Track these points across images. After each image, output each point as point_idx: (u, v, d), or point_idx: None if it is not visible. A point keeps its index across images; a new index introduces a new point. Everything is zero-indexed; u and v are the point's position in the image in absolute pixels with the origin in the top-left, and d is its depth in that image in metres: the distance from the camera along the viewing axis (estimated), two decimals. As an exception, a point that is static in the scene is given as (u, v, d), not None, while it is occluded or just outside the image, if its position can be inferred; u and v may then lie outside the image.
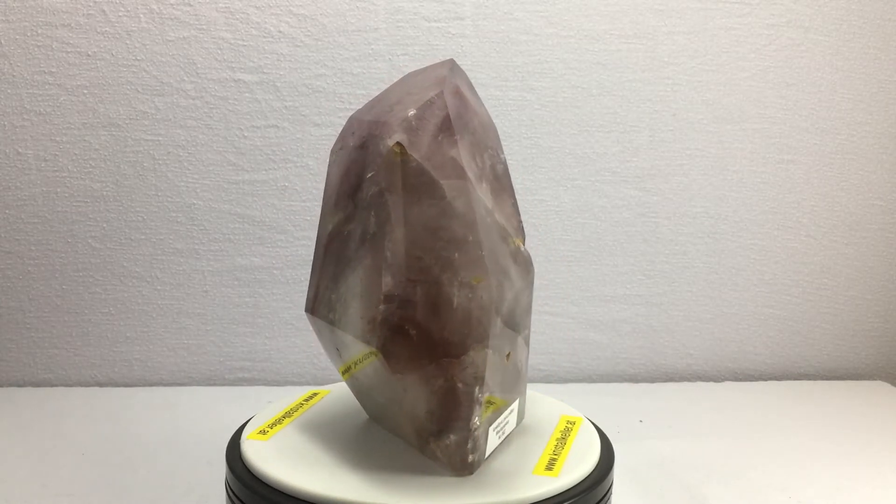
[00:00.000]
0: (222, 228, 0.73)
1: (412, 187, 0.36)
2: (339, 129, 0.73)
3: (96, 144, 0.71)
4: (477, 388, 0.37)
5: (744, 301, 0.80)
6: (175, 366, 0.75)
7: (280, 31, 0.71)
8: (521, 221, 0.41)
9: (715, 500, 0.53)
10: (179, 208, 0.72)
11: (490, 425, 0.39)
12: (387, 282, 0.37)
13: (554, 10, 0.73)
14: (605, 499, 0.40)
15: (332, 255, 0.41)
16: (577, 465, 0.40)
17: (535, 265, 0.42)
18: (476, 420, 0.38)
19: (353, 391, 0.46)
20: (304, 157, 0.73)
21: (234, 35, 0.70)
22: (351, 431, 0.44)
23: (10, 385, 0.74)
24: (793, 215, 0.79)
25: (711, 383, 0.80)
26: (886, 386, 0.81)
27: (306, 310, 0.43)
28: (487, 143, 0.40)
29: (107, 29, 0.69)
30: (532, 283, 0.41)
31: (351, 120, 0.42)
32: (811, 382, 0.81)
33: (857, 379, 0.83)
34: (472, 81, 0.44)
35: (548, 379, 0.79)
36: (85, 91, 0.70)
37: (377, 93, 0.72)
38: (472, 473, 0.38)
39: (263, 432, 0.44)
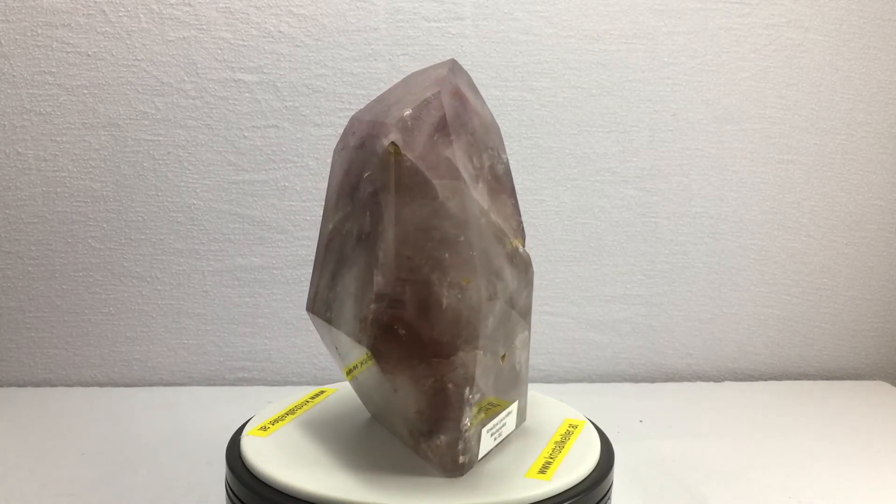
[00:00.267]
0: (222, 228, 0.73)
1: (406, 187, 0.36)
2: (339, 129, 0.73)
3: (96, 144, 0.71)
4: (467, 389, 0.37)
5: (744, 301, 0.80)
6: (175, 366, 0.75)
7: (280, 31, 0.71)
8: (521, 222, 0.41)
9: (715, 500, 0.53)
10: (179, 208, 0.73)
11: (483, 427, 0.39)
12: (378, 281, 0.37)
13: (554, 10, 0.73)
14: (602, 503, 0.40)
15: (331, 254, 0.41)
16: (572, 470, 0.40)
17: (535, 265, 0.42)
18: (467, 421, 0.37)
19: (355, 390, 0.46)
20: (304, 157, 0.73)
21: (234, 35, 0.70)
22: (351, 430, 0.44)
23: (10, 385, 0.74)
24: (793, 215, 0.79)
25: (711, 383, 0.80)
26: (886, 386, 0.81)
27: (307, 308, 0.43)
28: (488, 144, 0.40)
29: (107, 29, 0.69)
30: (531, 284, 0.40)
31: (352, 120, 0.43)
32: (811, 382, 0.81)
33: (857, 379, 0.83)
34: (472, 81, 0.44)
35: (548, 379, 0.79)
36: (85, 91, 0.70)
37: (377, 93, 0.72)
38: (463, 475, 0.38)
39: (264, 428, 0.44)
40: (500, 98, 0.74)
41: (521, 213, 0.42)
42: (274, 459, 0.40)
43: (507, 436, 0.43)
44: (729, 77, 0.76)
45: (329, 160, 0.73)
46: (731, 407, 0.72)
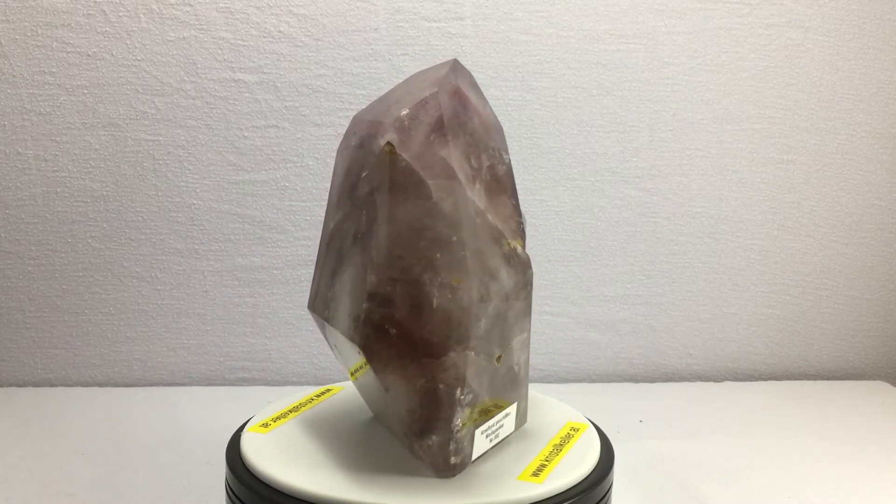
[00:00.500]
0: (222, 228, 0.73)
1: (400, 187, 0.36)
2: (339, 129, 0.73)
3: (96, 144, 0.71)
4: (458, 390, 0.37)
5: (744, 301, 0.80)
6: (175, 366, 0.75)
7: (280, 31, 0.71)
8: (521, 223, 0.41)
9: (715, 500, 0.53)
10: (179, 208, 0.73)
11: (477, 428, 0.39)
12: (371, 280, 0.37)
13: (554, 10, 0.73)
14: None
15: (331, 253, 0.42)
16: (567, 474, 0.39)
17: (535, 265, 0.42)
18: (458, 422, 0.37)
19: (357, 389, 0.46)
20: (304, 157, 0.73)
21: (234, 35, 0.70)
22: (352, 429, 0.44)
23: (10, 385, 0.74)
24: (793, 215, 0.79)
25: (711, 383, 0.80)
26: (886, 386, 0.81)
27: (308, 306, 0.44)
28: (488, 144, 0.40)
29: (107, 29, 0.69)
30: (529, 285, 0.40)
31: (353, 119, 0.43)
32: (811, 382, 0.81)
33: (857, 379, 0.83)
34: (472, 81, 0.44)
35: (548, 379, 0.79)
36: (85, 91, 0.70)
37: (377, 93, 0.72)
38: (454, 475, 0.38)
39: (266, 425, 0.44)
40: (500, 98, 0.74)
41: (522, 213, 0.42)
42: (273, 459, 0.40)
43: (507, 438, 0.42)
44: (729, 77, 0.76)
45: (329, 160, 0.73)
46: (731, 407, 0.72)
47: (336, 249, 0.41)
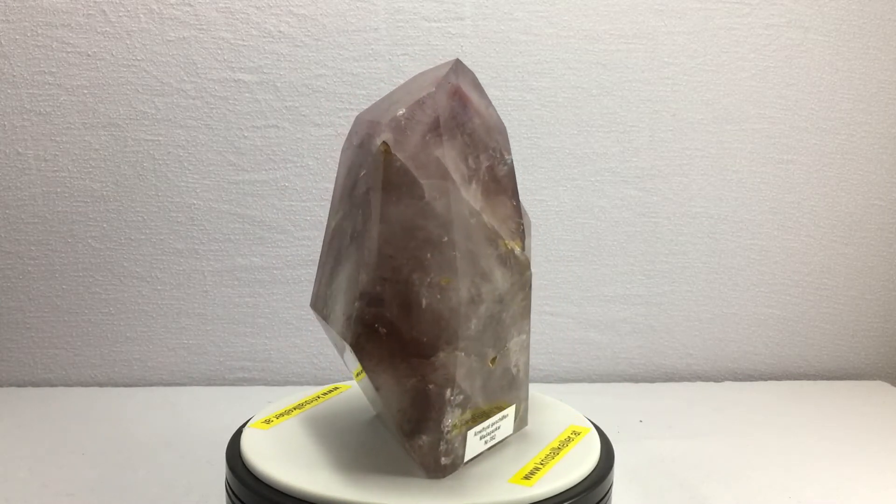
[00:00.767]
0: (222, 228, 0.73)
1: (394, 186, 0.36)
2: (340, 129, 0.73)
3: (96, 144, 0.71)
4: (448, 391, 0.37)
5: (744, 301, 0.80)
6: (175, 366, 0.75)
7: (280, 31, 0.71)
8: (521, 224, 0.40)
9: (715, 500, 0.53)
10: (179, 208, 0.72)
11: (470, 429, 0.39)
12: (362, 279, 0.37)
13: (554, 10, 0.73)
14: None
15: (331, 252, 0.42)
16: (559, 478, 0.39)
17: (535, 265, 0.42)
18: (448, 422, 0.37)
19: (360, 388, 0.46)
20: (304, 157, 0.73)
21: (234, 35, 0.70)
22: (354, 428, 0.44)
23: (10, 385, 0.74)
24: (793, 215, 0.79)
25: (711, 383, 0.80)
26: (886, 386, 0.81)
27: (310, 304, 0.44)
28: (489, 145, 0.40)
29: (107, 29, 0.69)
30: (528, 286, 0.40)
31: (356, 119, 0.43)
32: (811, 382, 0.81)
33: (857, 379, 0.83)
34: (472, 81, 0.44)
35: (548, 379, 0.79)
36: (85, 91, 0.70)
37: (377, 93, 0.72)
38: (444, 476, 0.38)
39: (268, 421, 0.44)
40: (500, 98, 0.74)
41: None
42: (273, 459, 0.40)
43: (506, 440, 0.42)
44: (729, 77, 0.76)
45: (329, 160, 0.73)
46: (731, 407, 0.72)
47: (335, 248, 0.41)
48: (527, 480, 0.38)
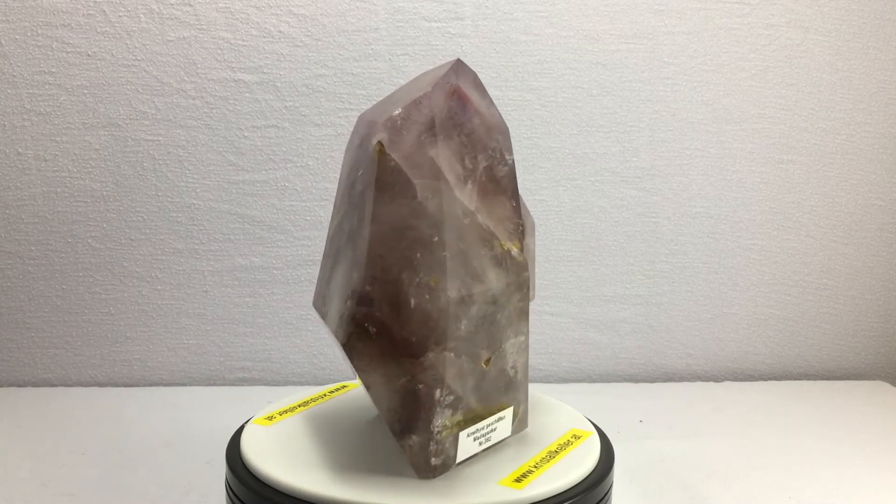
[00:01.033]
0: (222, 228, 0.73)
1: (387, 186, 0.36)
2: (340, 129, 0.73)
3: (96, 144, 0.71)
4: (438, 391, 0.37)
5: (744, 301, 0.80)
6: (175, 366, 0.75)
7: (280, 31, 0.71)
8: (520, 224, 0.40)
9: (715, 500, 0.53)
10: (179, 208, 0.72)
11: (463, 430, 0.38)
12: (354, 279, 0.37)
13: (554, 10, 0.73)
14: None
15: (331, 251, 0.42)
16: (551, 482, 0.38)
17: (536, 265, 0.42)
18: (439, 423, 0.37)
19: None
20: (304, 157, 0.73)
21: (234, 35, 0.70)
22: (355, 427, 0.44)
23: (10, 385, 0.74)
24: (793, 215, 0.79)
25: (711, 383, 0.80)
26: (886, 386, 0.81)
27: (312, 303, 0.44)
28: (488, 145, 0.40)
29: (107, 29, 0.69)
30: (525, 287, 0.39)
31: (358, 119, 0.43)
32: (811, 382, 0.81)
33: (857, 379, 0.83)
34: (472, 81, 0.44)
35: (548, 379, 0.79)
36: (85, 91, 0.70)
37: (377, 93, 0.72)
38: (434, 476, 0.38)
39: (271, 418, 0.44)
40: (500, 98, 0.74)
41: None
42: (273, 459, 0.40)
43: (506, 442, 0.42)
44: (729, 77, 0.76)
45: (329, 160, 0.73)
46: (731, 407, 0.72)
47: (335, 248, 0.41)
48: (517, 483, 0.38)
